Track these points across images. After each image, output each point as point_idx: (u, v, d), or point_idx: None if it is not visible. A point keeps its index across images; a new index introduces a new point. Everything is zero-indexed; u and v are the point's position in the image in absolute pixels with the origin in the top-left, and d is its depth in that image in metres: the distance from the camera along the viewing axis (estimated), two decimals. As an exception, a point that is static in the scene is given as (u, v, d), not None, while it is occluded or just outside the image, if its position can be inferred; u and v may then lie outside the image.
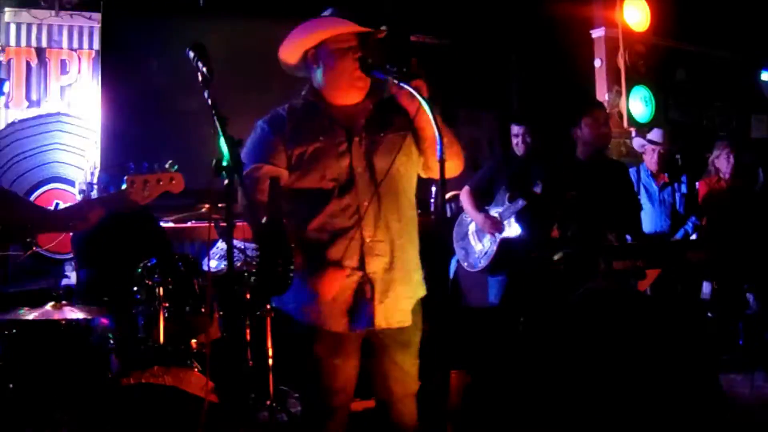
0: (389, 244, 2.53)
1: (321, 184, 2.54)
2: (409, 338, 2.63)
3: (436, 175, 2.48)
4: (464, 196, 4.95)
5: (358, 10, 2.59)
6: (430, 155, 2.59)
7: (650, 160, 5.33)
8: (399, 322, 2.57)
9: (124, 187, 2.64)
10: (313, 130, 2.58)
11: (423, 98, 2.38)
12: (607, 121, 4.26)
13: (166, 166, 2.67)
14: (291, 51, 2.65)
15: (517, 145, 5.01)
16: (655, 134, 5.39)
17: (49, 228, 3.40)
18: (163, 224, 4.59)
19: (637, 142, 5.63)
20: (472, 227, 5.01)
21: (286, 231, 2.52)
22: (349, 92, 2.61)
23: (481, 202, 4.86)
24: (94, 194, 4.33)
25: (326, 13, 2.64)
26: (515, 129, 5.02)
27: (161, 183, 2.64)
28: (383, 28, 2.60)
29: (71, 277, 5.11)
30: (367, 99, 2.63)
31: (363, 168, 2.55)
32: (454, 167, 2.60)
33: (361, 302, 2.54)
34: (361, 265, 2.53)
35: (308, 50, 2.63)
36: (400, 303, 2.57)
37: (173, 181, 2.66)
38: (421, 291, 2.68)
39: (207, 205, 3.86)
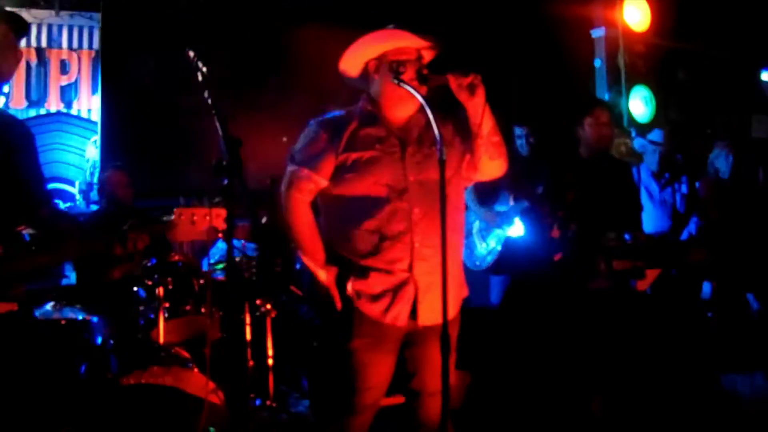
0: (436, 248, 2.59)
1: (375, 189, 2.67)
2: (452, 335, 2.67)
3: (484, 177, 2.83)
4: (468, 195, 4.96)
5: (421, 23, 2.71)
6: (480, 154, 2.74)
7: (651, 160, 5.33)
8: (436, 320, 2.62)
9: (171, 218, 2.62)
10: (369, 139, 2.71)
11: (424, 99, 2.54)
12: (609, 121, 4.25)
13: (216, 200, 2.67)
14: (353, 62, 2.78)
15: (521, 146, 5.03)
16: (655, 134, 5.39)
17: (90, 253, 3.31)
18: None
19: (637, 143, 5.63)
20: (476, 226, 5.01)
21: (285, 231, 2.56)
22: (407, 104, 2.72)
23: (485, 201, 4.87)
24: (93, 194, 4.31)
25: (389, 26, 2.73)
26: (518, 131, 5.04)
27: (208, 218, 2.65)
28: (439, 41, 2.75)
29: (71, 277, 5.11)
30: (420, 113, 2.73)
31: (415, 177, 2.69)
32: (498, 167, 2.81)
33: (406, 301, 2.68)
34: (410, 267, 2.67)
35: (369, 61, 2.77)
36: (439, 303, 2.58)
37: (218, 218, 2.66)
38: (465, 291, 2.87)
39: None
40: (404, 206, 2.67)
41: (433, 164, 2.63)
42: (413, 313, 2.69)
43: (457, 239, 2.81)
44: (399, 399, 2.89)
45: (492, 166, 2.79)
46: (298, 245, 2.76)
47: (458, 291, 2.82)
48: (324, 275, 2.69)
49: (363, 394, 2.69)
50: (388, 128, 2.74)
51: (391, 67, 2.67)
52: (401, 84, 2.61)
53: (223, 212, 2.65)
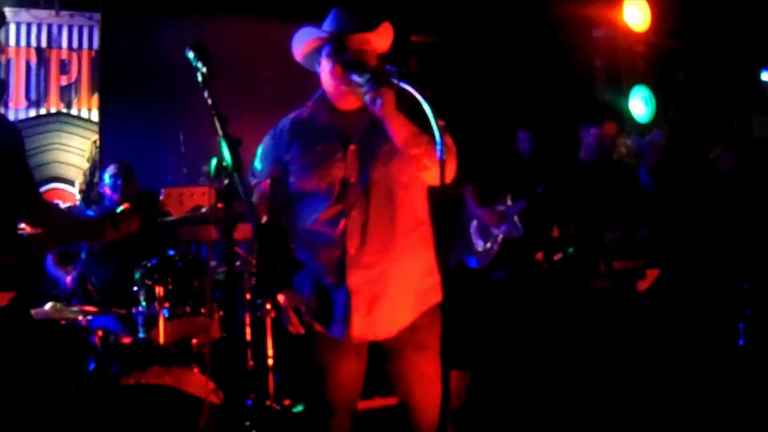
0: (379, 255, 2.49)
1: (316, 190, 2.53)
2: (423, 340, 2.57)
3: (432, 182, 2.50)
4: (467, 193, 4.95)
5: (357, 12, 2.58)
6: (412, 167, 2.50)
7: (650, 160, 5.33)
8: (387, 333, 2.55)
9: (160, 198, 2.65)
10: (309, 139, 2.58)
11: (422, 97, 2.28)
12: (616, 134, 4.28)
13: (201, 180, 2.72)
14: (296, 55, 2.67)
15: (524, 149, 5.03)
16: (654, 135, 5.39)
17: (84, 239, 3.36)
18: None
19: (636, 143, 5.63)
20: (474, 225, 5.01)
21: (285, 231, 2.54)
22: (348, 96, 2.53)
23: (484, 201, 4.87)
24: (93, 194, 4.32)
25: (332, 12, 2.62)
26: (522, 134, 5.04)
27: (195, 197, 2.67)
28: (368, 31, 2.54)
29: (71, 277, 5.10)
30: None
31: (356, 177, 2.50)
32: (434, 176, 2.35)
33: (341, 313, 2.52)
34: (341, 277, 2.50)
35: (309, 55, 2.63)
36: (389, 314, 2.53)
37: (204, 195, 2.68)
38: (435, 297, 2.61)
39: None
40: (342, 209, 2.50)
41: (380, 160, 2.51)
42: (347, 328, 2.51)
43: (409, 243, 2.56)
44: (393, 400, 2.85)
45: (429, 176, 2.48)
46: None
47: (423, 296, 2.60)
48: (286, 304, 2.59)
49: (332, 396, 2.60)
50: (330, 124, 2.58)
51: (329, 57, 2.51)
52: (401, 84, 2.34)
53: (208, 191, 2.67)
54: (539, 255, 4.07)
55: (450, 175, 2.44)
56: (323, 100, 2.63)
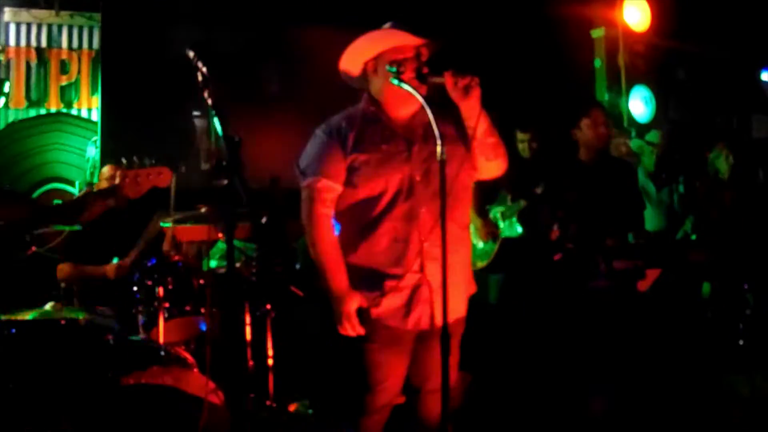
0: (444, 247, 2.55)
1: (384, 191, 2.66)
2: (455, 331, 2.71)
3: (483, 177, 2.82)
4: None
5: (418, 21, 2.71)
6: (477, 155, 2.72)
7: (648, 161, 5.34)
8: (441, 321, 2.60)
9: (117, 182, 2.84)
10: (375, 139, 2.70)
11: (424, 98, 2.53)
12: (606, 121, 4.27)
13: (152, 161, 2.89)
14: (352, 61, 2.77)
15: (523, 150, 5.04)
16: (652, 136, 5.40)
17: (52, 222, 3.44)
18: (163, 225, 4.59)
19: (634, 144, 5.64)
20: (474, 225, 5.01)
21: (286, 231, 2.56)
22: (407, 102, 2.69)
23: (483, 201, 4.87)
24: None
25: (386, 25, 2.72)
26: (521, 135, 5.05)
27: (150, 177, 2.81)
28: (439, 39, 2.73)
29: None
30: (423, 111, 2.67)
31: (421, 176, 2.67)
32: (497, 167, 2.80)
33: (420, 302, 2.68)
34: (420, 268, 2.66)
35: (368, 61, 2.74)
36: (452, 303, 2.60)
37: (161, 175, 2.84)
38: (473, 288, 2.89)
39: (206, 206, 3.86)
40: (412, 206, 2.66)
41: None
42: (429, 316, 2.68)
43: (464, 236, 2.80)
44: (400, 399, 2.89)
45: (490, 166, 2.78)
46: (321, 268, 2.69)
47: (467, 288, 2.84)
48: (349, 305, 2.64)
49: (377, 395, 2.70)
50: (392, 128, 2.73)
51: (390, 66, 2.65)
52: (401, 84, 2.59)
53: (164, 170, 2.85)
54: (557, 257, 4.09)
55: (499, 170, 2.81)
56: (377, 105, 2.76)
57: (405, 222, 2.66)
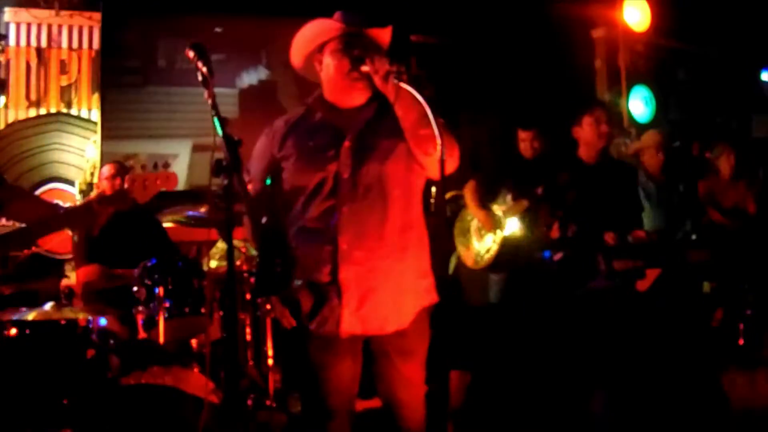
0: (371, 252, 2.50)
1: (307, 185, 2.54)
2: (411, 347, 2.61)
3: (432, 175, 2.55)
4: (467, 193, 4.95)
5: (360, 11, 2.60)
6: (413, 150, 2.53)
7: (648, 161, 5.34)
8: (379, 329, 2.55)
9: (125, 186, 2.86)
10: (304, 134, 2.60)
11: (423, 97, 2.36)
12: (608, 119, 4.27)
13: (161, 166, 2.91)
14: (296, 55, 2.69)
15: (525, 149, 5.03)
16: (650, 136, 5.41)
17: (62, 226, 3.46)
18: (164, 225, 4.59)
19: (633, 144, 5.65)
20: (474, 224, 5.01)
21: (285, 231, 2.55)
22: (349, 93, 2.59)
23: (484, 200, 4.87)
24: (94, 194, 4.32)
25: (336, 14, 2.64)
26: (522, 134, 5.04)
27: (158, 182, 2.80)
28: (377, 27, 2.60)
29: (71, 277, 5.11)
30: (373, 103, 2.60)
31: (349, 173, 2.52)
32: (434, 163, 2.40)
33: (332, 308, 2.53)
34: (334, 272, 2.51)
35: (312, 54, 2.65)
36: (380, 311, 2.53)
37: (168, 180, 2.85)
38: (428, 298, 2.64)
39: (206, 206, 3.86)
40: (333, 205, 2.52)
41: (376, 159, 2.52)
42: (336, 323, 2.52)
43: (405, 240, 2.58)
44: (376, 402, 2.83)
45: (430, 162, 2.49)
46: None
47: (416, 298, 2.61)
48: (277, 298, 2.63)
49: (327, 398, 2.60)
50: (326, 121, 2.61)
51: (332, 55, 2.56)
52: (401, 84, 2.42)
53: (171, 175, 2.87)
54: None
55: (451, 167, 2.45)
56: (320, 99, 2.66)
57: (320, 221, 2.52)
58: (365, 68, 2.46)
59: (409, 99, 2.36)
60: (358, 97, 2.59)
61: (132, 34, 5.50)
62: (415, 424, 2.64)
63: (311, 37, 2.61)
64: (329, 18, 2.58)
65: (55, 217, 2.97)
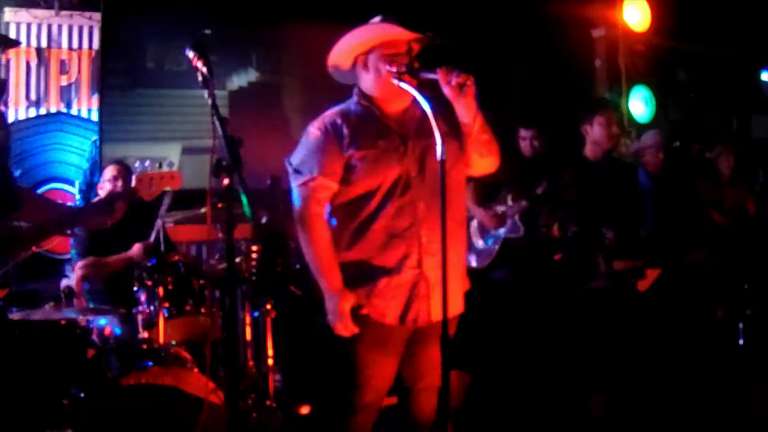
0: (441, 242, 2.54)
1: (380, 187, 2.63)
2: (452, 330, 2.69)
3: (475, 173, 2.83)
4: (468, 192, 4.95)
5: (406, 16, 2.67)
6: (471, 152, 2.72)
7: (648, 161, 5.34)
8: (438, 316, 2.61)
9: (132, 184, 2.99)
10: (370, 135, 2.67)
11: (422, 96, 2.50)
12: (618, 122, 4.31)
13: (166, 165, 3.09)
14: (343, 56, 2.73)
15: (525, 148, 5.03)
16: (650, 136, 5.41)
17: (77, 224, 3.48)
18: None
19: (633, 145, 5.65)
20: (474, 224, 5.01)
21: (286, 231, 2.56)
22: (399, 98, 2.68)
23: (485, 199, 4.87)
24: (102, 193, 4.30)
25: (375, 19, 2.69)
26: (523, 132, 5.03)
27: (163, 180, 2.94)
28: (431, 34, 2.71)
29: (71, 277, 5.10)
30: (415, 105, 2.66)
31: (417, 171, 2.65)
32: (489, 164, 2.80)
33: (418, 299, 2.66)
34: (419, 264, 2.64)
35: (358, 56, 2.70)
36: (452, 299, 2.59)
37: (174, 180, 2.98)
38: (467, 285, 2.85)
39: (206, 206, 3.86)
40: (409, 201, 2.64)
41: (433, 156, 2.56)
42: (426, 312, 2.67)
43: (461, 232, 2.79)
44: (392, 400, 2.88)
45: (483, 163, 2.78)
46: (315, 267, 2.67)
47: (463, 284, 2.82)
48: (343, 304, 2.61)
49: (363, 393, 2.68)
50: (386, 123, 2.70)
51: (383, 60, 2.62)
52: (401, 84, 2.56)
53: (175, 174, 3.00)
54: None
55: (495, 166, 2.82)
56: (371, 99, 2.72)
57: (402, 217, 2.63)
58: (430, 76, 2.57)
59: (474, 108, 2.58)
60: (406, 100, 2.69)
61: (122, 35, 5.49)
62: (428, 414, 2.78)
63: (366, 40, 2.66)
64: (394, 23, 2.65)
65: (74, 215, 3.09)
